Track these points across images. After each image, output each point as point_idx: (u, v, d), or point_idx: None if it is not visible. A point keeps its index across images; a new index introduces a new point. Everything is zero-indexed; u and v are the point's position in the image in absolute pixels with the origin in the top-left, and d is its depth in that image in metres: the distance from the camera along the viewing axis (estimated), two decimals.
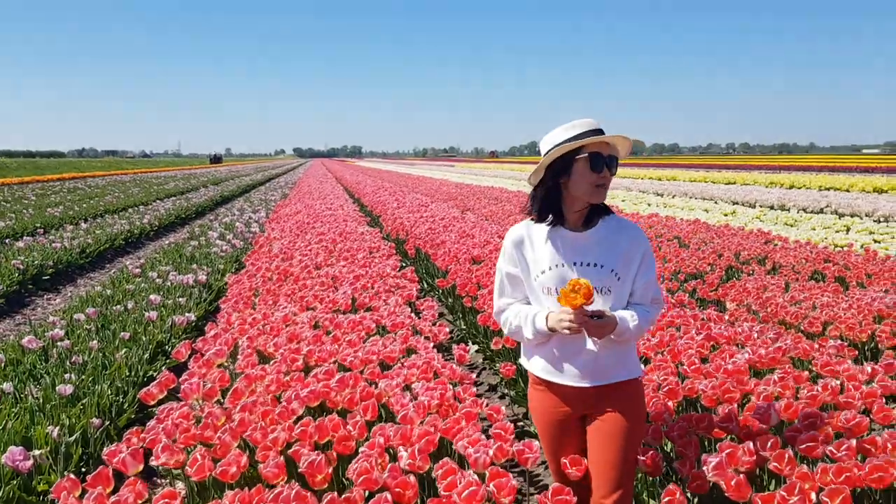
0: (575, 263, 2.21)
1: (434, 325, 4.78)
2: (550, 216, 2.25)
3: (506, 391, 4.93)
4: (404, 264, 8.63)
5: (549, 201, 2.25)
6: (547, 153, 2.20)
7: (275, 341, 4.11)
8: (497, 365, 5.09)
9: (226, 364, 4.30)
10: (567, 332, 2.10)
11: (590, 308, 2.10)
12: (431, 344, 4.25)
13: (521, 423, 4.45)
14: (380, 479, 2.31)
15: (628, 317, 2.18)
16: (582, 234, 2.24)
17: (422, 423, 2.88)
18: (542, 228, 2.27)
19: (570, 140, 2.15)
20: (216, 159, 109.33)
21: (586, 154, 2.14)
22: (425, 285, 8.26)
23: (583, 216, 2.24)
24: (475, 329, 5.92)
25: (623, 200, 18.06)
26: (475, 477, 2.29)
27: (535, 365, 2.35)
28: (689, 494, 2.76)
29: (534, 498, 3.24)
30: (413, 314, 5.04)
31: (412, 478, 2.31)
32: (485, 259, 7.34)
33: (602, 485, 2.25)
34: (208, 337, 4.45)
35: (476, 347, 5.86)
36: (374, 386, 3.35)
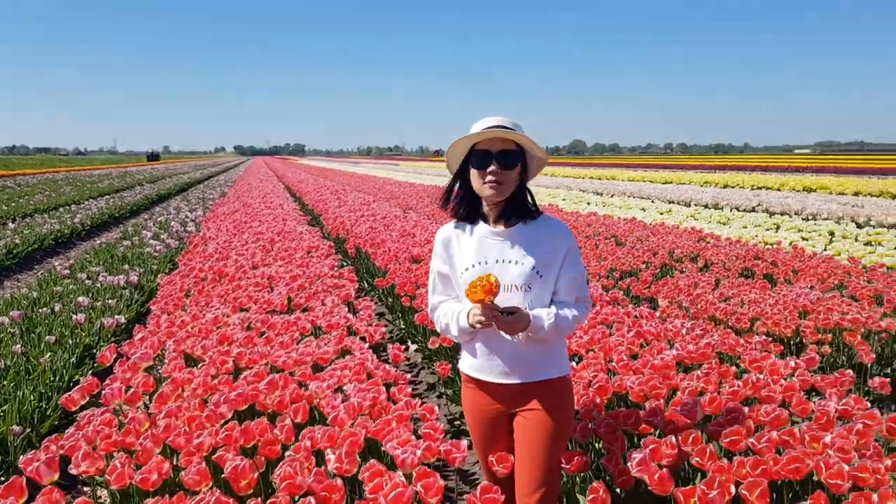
0: (497, 261, 2.21)
1: (370, 325, 4.75)
2: (465, 214, 2.27)
3: (444, 390, 4.93)
4: (344, 264, 8.57)
5: (463, 200, 2.28)
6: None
7: (203, 343, 4.02)
8: (435, 364, 5.09)
9: (155, 366, 4.20)
10: (479, 326, 2.10)
11: (505, 304, 2.11)
12: (367, 344, 4.22)
13: (458, 423, 4.46)
14: (304, 483, 2.27)
15: (544, 315, 2.17)
16: (505, 232, 2.24)
17: (352, 424, 2.85)
18: (469, 227, 2.28)
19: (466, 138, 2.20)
20: (154, 157, 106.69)
21: (473, 151, 2.18)
22: (366, 285, 8.22)
23: (498, 214, 2.24)
24: (414, 328, 5.91)
25: (564, 199, 18.27)
26: (403, 478, 2.27)
27: (465, 363, 2.36)
28: (617, 490, 2.81)
29: (464, 497, 3.25)
30: (350, 314, 4.99)
31: (339, 481, 2.28)
32: (424, 258, 7.33)
33: (527, 483, 2.26)
34: (135, 340, 4.33)
35: (415, 347, 5.85)
36: (305, 388, 3.30)
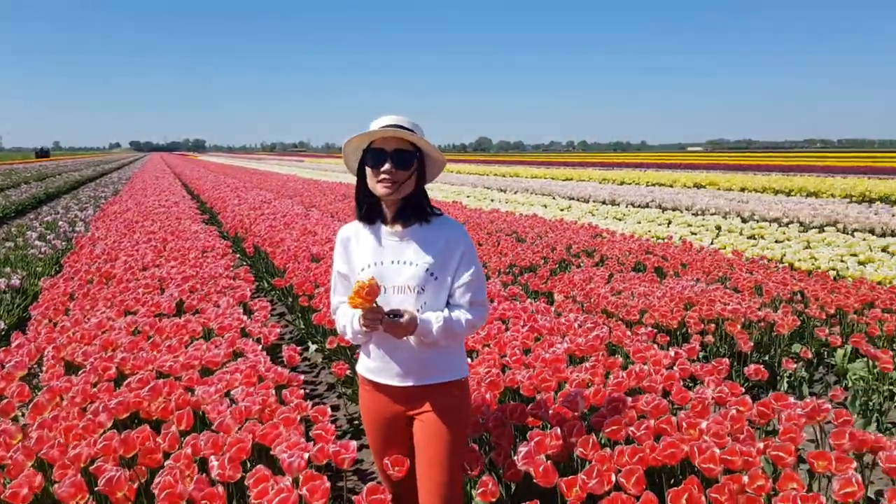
0: (393, 262, 2.20)
1: (265, 325, 4.65)
2: (365, 214, 2.25)
3: (343, 390, 4.89)
4: (242, 263, 8.37)
5: (363, 198, 2.25)
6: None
7: (84, 350, 3.83)
8: (333, 364, 5.04)
9: (35, 375, 3.98)
10: (366, 329, 2.09)
11: (398, 306, 2.11)
12: (260, 346, 4.13)
13: (357, 422, 4.43)
14: (184, 492, 2.20)
15: (433, 318, 2.15)
16: (400, 232, 2.22)
17: (239, 429, 2.78)
18: (369, 227, 2.26)
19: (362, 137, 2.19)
20: (43, 153, 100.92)
21: (369, 149, 2.16)
22: (266, 284, 8.06)
23: (395, 214, 2.22)
24: (314, 328, 5.84)
25: (468, 197, 18.43)
26: (289, 483, 2.23)
27: (362, 365, 2.34)
28: (506, 483, 2.86)
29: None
30: (245, 316, 4.87)
31: (220, 488, 2.23)
32: (325, 256, 7.25)
33: (429, 488, 2.24)
34: (11, 347, 4.09)
35: (315, 347, 5.78)
36: (192, 393, 3.20)
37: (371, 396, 2.34)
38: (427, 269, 2.18)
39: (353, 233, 2.31)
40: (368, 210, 2.24)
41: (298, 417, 2.88)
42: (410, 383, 2.24)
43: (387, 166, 2.11)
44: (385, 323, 2.06)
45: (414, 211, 2.22)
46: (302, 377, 3.70)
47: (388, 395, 2.29)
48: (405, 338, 2.17)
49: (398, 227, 2.23)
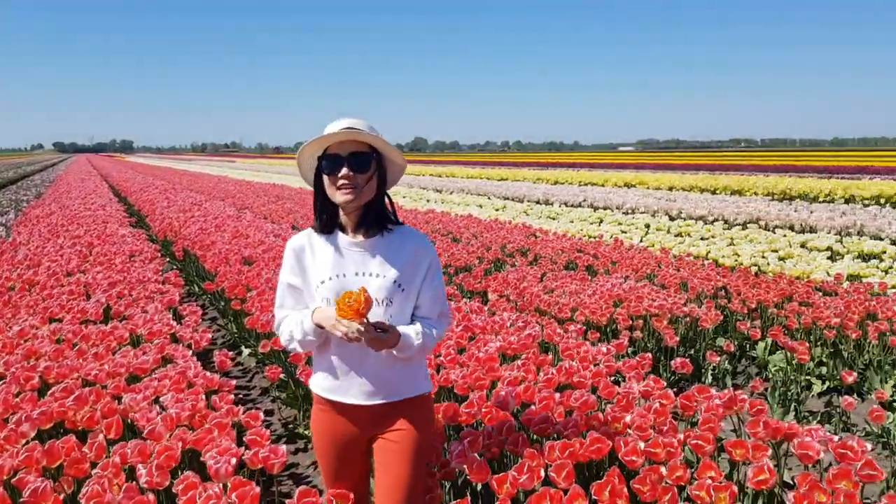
0: (357, 274, 2.09)
1: (196, 330, 4.58)
2: (325, 225, 2.13)
3: (277, 394, 4.86)
4: (172, 267, 8.20)
5: (322, 209, 2.13)
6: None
7: (6, 359, 3.71)
8: (266, 368, 5.00)
9: None
10: (339, 334, 1.94)
11: (373, 319, 1.99)
12: (191, 352, 4.07)
13: (291, 426, 4.41)
14: (113, 500, 2.17)
15: (413, 333, 2.07)
16: (364, 243, 2.11)
17: (170, 436, 2.75)
18: (325, 237, 2.14)
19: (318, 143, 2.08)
20: None
21: (324, 156, 2.05)
22: (196, 288, 7.92)
23: (356, 222, 2.10)
24: (247, 332, 5.77)
25: (404, 197, 18.47)
26: (217, 489, 2.22)
27: (319, 385, 2.20)
28: (441, 482, 2.89)
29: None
30: (175, 321, 4.79)
31: (151, 496, 2.20)
32: (257, 259, 7.17)
33: None
34: None
35: (249, 351, 5.72)
36: (118, 401, 3.14)
37: (328, 417, 2.19)
38: (395, 281, 2.09)
39: (307, 242, 2.16)
40: (329, 220, 2.12)
41: (230, 423, 2.85)
42: (379, 401, 2.13)
43: (344, 171, 2.00)
44: (370, 337, 1.94)
45: (377, 218, 2.11)
46: (234, 382, 3.66)
47: (349, 415, 2.16)
48: (381, 352, 2.06)
49: (360, 238, 2.12)
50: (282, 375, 4.30)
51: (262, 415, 3.07)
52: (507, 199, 19.17)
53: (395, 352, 2.06)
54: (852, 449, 2.48)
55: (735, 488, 2.31)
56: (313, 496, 2.23)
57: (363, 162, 2.03)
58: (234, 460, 2.37)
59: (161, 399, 3.16)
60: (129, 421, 3.05)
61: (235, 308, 5.76)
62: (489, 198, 19.07)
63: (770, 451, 2.62)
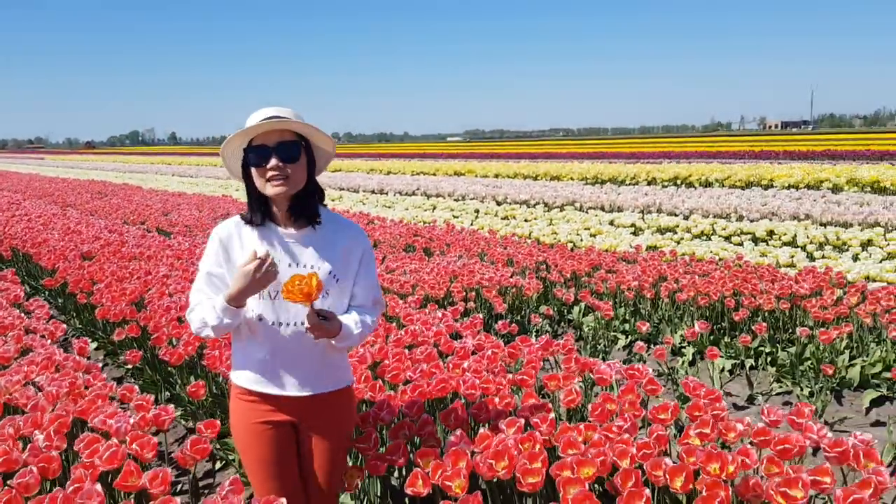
0: (290, 265, 2.05)
1: (48, 322, 4.65)
2: (259, 218, 2.06)
3: (132, 381, 4.99)
4: (0, 267, 7.89)
5: (255, 202, 2.06)
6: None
7: None
8: (121, 358, 5.11)
9: None
10: (251, 267, 1.89)
11: (291, 314, 2.04)
12: (49, 341, 4.18)
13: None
14: (20, 458, 2.40)
15: (352, 323, 2.07)
16: (296, 234, 2.07)
17: (53, 409, 2.96)
18: (255, 227, 2.08)
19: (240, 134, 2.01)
20: None
21: (250, 148, 2.00)
22: (28, 287, 7.67)
23: (287, 213, 2.05)
24: (93, 325, 5.81)
25: (237, 190, 18.27)
26: (117, 441, 2.51)
27: (244, 376, 2.14)
28: None
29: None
30: (24, 315, 4.81)
31: (54, 453, 2.45)
32: (96, 254, 7.13)
33: (321, 498, 2.23)
34: None
35: (95, 344, 5.75)
36: None
37: (252, 409, 2.14)
38: (330, 272, 2.06)
39: (236, 232, 2.09)
40: (263, 213, 2.06)
41: (109, 394, 3.10)
42: (307, 392, 2.12)
43: (273, 162, 1.95)
44: (313, 322, 1.93)
45: (307, 208, 2.07)
46: (102, 368, 3.84)
47: (278, 405, 2.13)
48: (316, 343, 2.06)
49: (291, 228, 2.08)
50: (138, 363, 4.46)
51: (136, 388, 3.32)
52: (343, 189, 19.49)
53: (333, 341, 2.05)
54: (639, 370, 3.17)
55: (550, 405, 2.91)
56: (203, 442, 2.57)
57: (291, 151, 1.97)
58: (131, 419, 2.66)
59: (37, 380, 3.32)
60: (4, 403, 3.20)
61: (81, 302, 5.78)
62: (324, 189, 19.24)
63: (578, 381, 3.27)
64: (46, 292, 7.07)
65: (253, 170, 2.00)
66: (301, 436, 2.19)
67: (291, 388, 2.10)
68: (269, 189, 1.97)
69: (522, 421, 2.70)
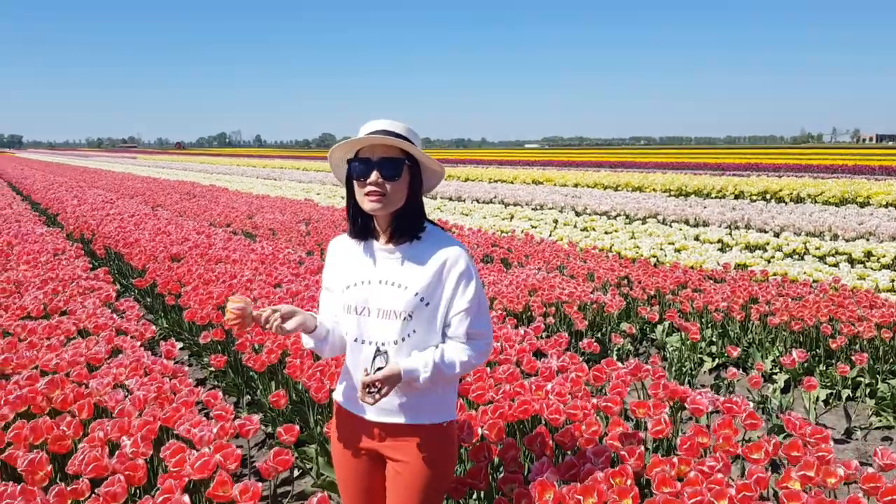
0: (381, 282, 1.95)
1: (138, 323, 4.78)
2: (358, 230, 2.00)
3: (216, 383, 5.08)
4: (94, 265, 8.20)
5: (354, 214, 1.99)
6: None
7: None
8: (205, 359, 5.22)
9: None
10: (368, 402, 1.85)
11: (383, 333, 1.93)
12: (139, 343, 4.29)
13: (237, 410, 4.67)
14: (109, 464, 2.44)
15: (420, 366, 1.88)
16: (390, 250, 1.97)
17: (140, 414, 3.01)
18: (362, 241, 2.02)
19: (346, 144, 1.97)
20: None
21: (355, 158, 1.93)
22: (119, 286, 7.96)
23: (386, 230, 1.96)
24: (179, 326, 5.96)
25: (318, 194, 18.58)
26: (207, 450, 2.52)
27: (340, 390, 2.11)
28: None
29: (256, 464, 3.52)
30: (115, 315, 4.96)
31: (140, 461, 2.48)
32: (185, 256, 7.32)
33: None
34: None
35: (181, 345, 5.89)
36: (84, 387, 3.36)
37: (345, 429, 2.08)
38: (417, 294, 1.92)
39: (344, 245, 2.07)
40: (362, 225, 1.99)
41: (195, 401, 3.14)
42: (388, 420, 1.98)
43: (373, 177, 1.87)
44: (362, 398, 1.85)
45: (408, 227, 1.95)
46: (187, 369, 3.91)
47: (364, 429, 2.03)
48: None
49: (390, 244, 1.97)
50: (223, 366, 4.54)
51: (220, 394, 3.36)
52: None
53: (402, 388, 1.92)
54: (736, 404, 3.00)
55: (642, 435, 2.78)
56: (286, 454, 2.56)
57: (394, 169, 1.88)
58: (214, 429, 2.68)
59: (127, 384, 3.40)
60: (94, 403, 3.28)
61: (170, 303, 5.94)
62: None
63: (668, 411, 3.13)
64: (136, 291, 7.31)
65: (354, 182, 1.92)
66: (388, 470, 2.04)
67: (371, 412, 1.97)
68: (366, 204, 1.89)
69: (611, 451, 2.59)
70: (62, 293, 5.48)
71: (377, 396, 1.82)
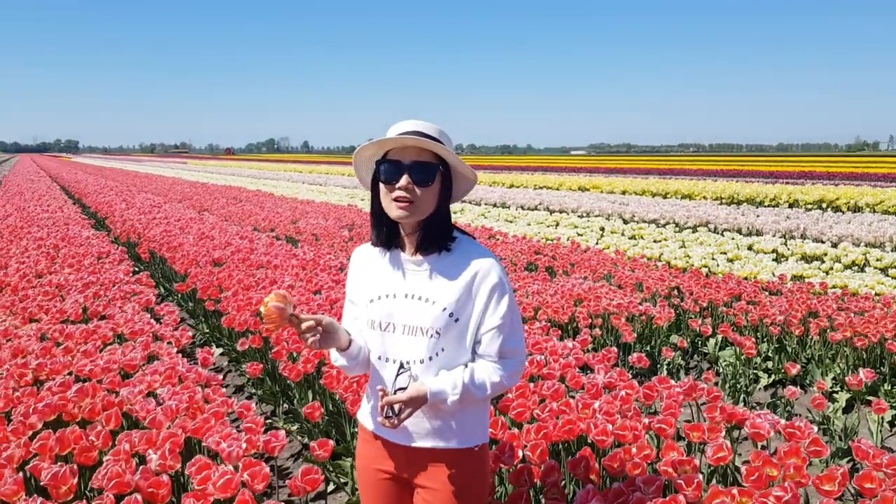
0: (407, 296, 1.80)
1: (176, 329, 4.72)
2: (382, 239, 1.86)
3: (253, 391, 5.00)
4: (138, 269, 8.25)
5: (378, 221, 1.85)
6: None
7: None
8: (243, 366, 5.15)
9: None
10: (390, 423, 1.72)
11: (409, 350, 1.78)
12: (175, 349, 4.22)
13: (269, 420, 4.57)
14: (132, 480, 2.34)
15: (448, 388, 1.73)
16: (417, 261, 1.82)
17: (170, 426, 2.92)
18: (387, 251, 1.88)
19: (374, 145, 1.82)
20: None
21: (384, 160, 1.78)
22: (162, 290, 7.98)
23: (414, 239, 1.82)
24: (219, 332, 5.90)
25: (362, 200, 18.59)
26: (231, 468, 2.41)
27: (365, 411, 1.97)
28: None
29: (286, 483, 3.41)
30: (153, 320, 4.92)
31: (165, 477, 2.37)
32: (226, 261, 7.29)
33: None
34: None
35: (220, 350, 5.84)
36: (115, 395, 3.29)
37: (371, 452, 1.93)
38: (445, 309, 1.76)
39: (368, 255, 1.92)
40: (387, 234, 1.84)
41: (226, 412, 3.03)
42: (413, 444, 1.83)
43: (403, 181, 1.72)
44: (382, 421, 1.73)
45: (437, 237, 1.81)
46: (221, 377, 3.82)
47: (391, 452, 1.89)
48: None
49: (418, 255, 1.82)
50: (259, 374, 4.45)
51: (253, 405, 3.25)
52: (464, 201, 19.45)
53: (427, 409, 1.79)
54: (800, 429, 2.78)
55: (697, 462, 2.58)
56: (315, 472, 2.42)
57: (426, 173, 1.74)
58: (244, 444, 2.55)
59: (158, 392, 3.31)
60: (124, 412, 3.20)
61: (209, 308, 5.89)
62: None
63: (724, 433, 2.91)
64: (178, 296, 7.31)
65: (381, 186, 1.78)
66: (416, 499, 1.89)
67: (397, 436, 1.84)
68: (393, 211, 1.75)
69: (664, 479, 2.39)
70: (103, 297, 5.47)
71: (395, 420, 1.69)
